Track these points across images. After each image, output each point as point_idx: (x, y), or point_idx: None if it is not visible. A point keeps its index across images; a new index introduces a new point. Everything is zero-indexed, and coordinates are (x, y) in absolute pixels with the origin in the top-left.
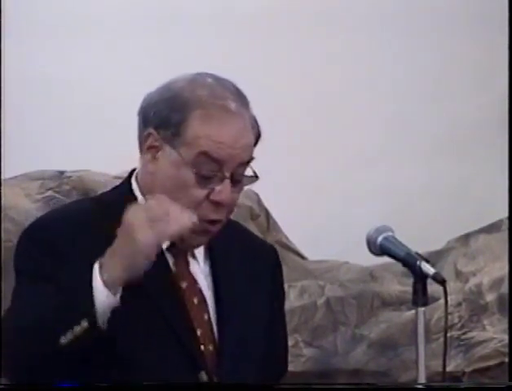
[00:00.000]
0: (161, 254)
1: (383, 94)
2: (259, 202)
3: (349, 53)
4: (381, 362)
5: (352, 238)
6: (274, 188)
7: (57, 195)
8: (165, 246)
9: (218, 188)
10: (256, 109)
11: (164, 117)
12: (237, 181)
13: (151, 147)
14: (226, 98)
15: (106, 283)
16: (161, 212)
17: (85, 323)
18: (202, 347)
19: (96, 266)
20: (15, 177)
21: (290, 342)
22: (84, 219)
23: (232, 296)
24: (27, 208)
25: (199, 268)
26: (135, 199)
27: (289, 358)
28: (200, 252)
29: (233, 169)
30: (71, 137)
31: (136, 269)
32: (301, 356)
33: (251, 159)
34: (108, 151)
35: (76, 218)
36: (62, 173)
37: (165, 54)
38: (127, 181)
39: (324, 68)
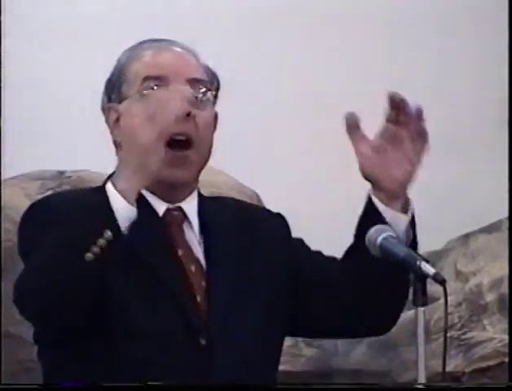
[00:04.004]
0: (156, 223)
1: (383, 94)
2: (259, 202)
3: (348, 52)
4: (381, 362)
5: (352, 238)
6: (274, 188)
7: None
8: (161, 213)
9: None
10: (256, 109)
11: (110, 85)
12: (198, 99)
13: (115, 122)
14: (163, 42)
15: (122, 193)
16: (158, 105)
17: (108, 233)
18: (202, 313)
19: (108, 183)
20: (15, 177)
21: (290, 342)
22: (84, 202)
23: (228, 265)
24: (27, 208)
25: (195, 237)
26: None
27: (289, 358)
28: (195, 221)
29: (183, 85)
30: (71, 137)
31: (146, 169)
32: (301, 356)
33: (205, 79)
34: (108, 151)
35: (77, 200)
36: (62, 173)
37: None
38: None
39: (323, 68)
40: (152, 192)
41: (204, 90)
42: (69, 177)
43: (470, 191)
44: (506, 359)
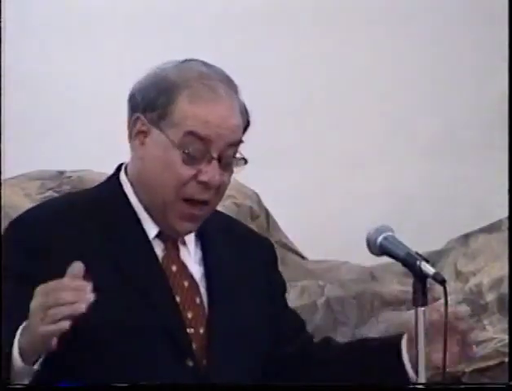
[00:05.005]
0: (147, 242)
1: (383, 94)
2: (259, 202)
3: (348, 52)
4: None
5: (352, 238)
6: (274, 188)
7: (57, 195)
8: (153, 235)
9: (205, 169)
10: (255, 109)
11: (151, 99)
12: (227, 163)
13: (139, 132)
14: (214, 79)
15: (21, 352)
16: (53, 299)
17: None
18: (192, 330)
19: (20, 328)
20: (15, 177)
21: None
22: (71, 215)
23: (224, 282)
24: (27, 208)
25: (189, 255)
26: (123, 192)
27: None
28: (190, 240)
29: (221, 150)
30: (71, 137)
31: (39, 351)
32: None
33: (240, 141)
34: (108, 151)
35: (62, 214)
36: (62, 173)
37: (166, 54)
38: (115, 175)
39: (323, 68)
40: (149, 215)
41: (236, 152)
42: (69, 177)
43: (470, 191)
44: (506, 359)
